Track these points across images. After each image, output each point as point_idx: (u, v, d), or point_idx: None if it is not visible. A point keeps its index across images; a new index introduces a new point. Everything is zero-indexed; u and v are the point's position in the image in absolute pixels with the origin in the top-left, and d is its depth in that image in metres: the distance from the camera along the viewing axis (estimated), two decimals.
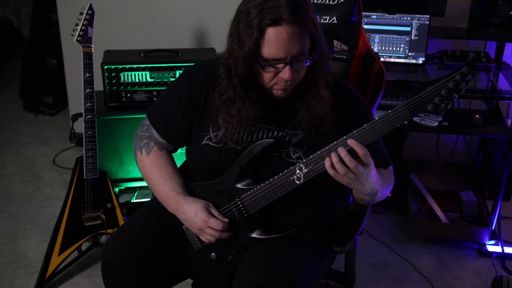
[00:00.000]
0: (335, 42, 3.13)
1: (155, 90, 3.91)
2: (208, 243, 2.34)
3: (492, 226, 3.80)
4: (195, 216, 2.26)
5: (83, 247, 3.71)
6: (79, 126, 3.40)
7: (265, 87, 2.13)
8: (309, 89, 2.16)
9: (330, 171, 2.03)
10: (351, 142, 2.00)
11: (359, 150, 1.99)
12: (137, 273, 2.31)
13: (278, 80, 2.08)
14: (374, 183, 2.12)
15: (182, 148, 2.49)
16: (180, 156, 2.48)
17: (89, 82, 3.23)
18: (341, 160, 2.00)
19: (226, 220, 2.27)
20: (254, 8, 1.99)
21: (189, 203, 2.29)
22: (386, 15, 3.89)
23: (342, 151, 2.00)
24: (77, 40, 3.19)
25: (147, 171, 2.42)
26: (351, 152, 2.00)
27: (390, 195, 2.38)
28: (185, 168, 2.50)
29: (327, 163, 2.03)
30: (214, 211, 2.28)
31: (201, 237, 2.32)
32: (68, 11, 4.85)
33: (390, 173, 2.37)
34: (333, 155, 2.02)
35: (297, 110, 2.19)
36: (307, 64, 2.08)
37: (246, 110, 2.16)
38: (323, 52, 2.12)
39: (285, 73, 2.04)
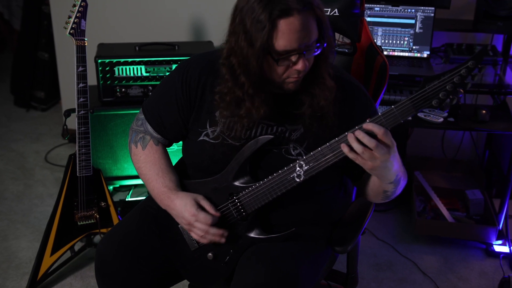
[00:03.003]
0: (336, 35, 3.12)
1: (151, 85, 3.90)
2: (204, 244, 2.35)
3: (499, 225, 3.80)
4: (184, 210, 2.26)
5: (76, 247, 3.70)
6: (72, 122, 3.40)
7: (276, 81, 2.13)
8: (314, 78, 2.16)
9: (351, 155, 2.02)
10: (368, 126, 1.98)
11: (377, 130, 1.97)
12: (131, 274, 2.32)
13: (291, 72, 2.08)
14: (398, 168, 2.11)
15: (178, 145, 2.49)
16: (176, 153, 2.48)
17: (82, 77, 3.22)
18: (358, 140, 1.99)
19: (217, 214, 2.27)
20: (259, 1, 1.98)
21: (180, 198, 2.29)
22: (390, 7, 3.89)
23: (359, 133, 1.98)
24: (70, 33, 3.18)
25: (141, 166, 2.43)
26: (370, 135, 1.99)
27: None
28: (181, 165, 2.50)
29: (345, 148, 2.02)
30: (204, 204, 2.28)
31: (192, 235, 2.31)
32: (60, 3, 4.84)
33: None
34: (349, 134, 2.01)
35: (302, 101, 2.19)
36: (318, 52, 2.08)
37: (257, 110, 2.15)
38: (330, 39, 2.12)
39: (299, 64, 2.04)
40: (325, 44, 2.08)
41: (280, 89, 2.17)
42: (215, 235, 2.26)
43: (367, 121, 2.00)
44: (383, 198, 2.32)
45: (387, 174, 2.10)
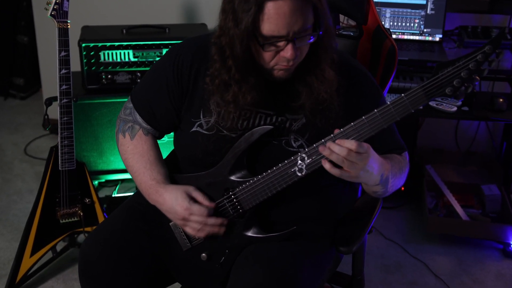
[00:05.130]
0: (341, 17, 3.12)
1: (139, 71, 3.90)
2: (198, 242, 2.35)
3: None
4: (175, 204, 2.25)
5: (58, 247, 3.70)
6: (54, 111, 3.39)
7: (264, 68, 2.13)
8: (311, 69, 2.15)
9: (334, 171, 2.06)
10: (339, 141, 2.02)
11: (350, 145, 2.01)
12: (118, 276, 2.32)
13: (279, 59, 2.08)
14: (380, 168, 2.13)
15: (169, 136, 2.49)
16: (167, 145, 2.47)
17: (64, 62, 3.22)
18: (333, 151, 2.03)
19: (211, 204, 2.26)
20: None
21: (169, 191, 2.29)
22: None
23: (330, 144, 2.03)
24: (51, 15, 3.17)
25: (128, 157, 2.42)
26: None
27: (402, 188, 2.38)
28: (173, 158, 2.50)
29: (326, 165, 2.06)
30: (197, 195, 2.27)
31: (187, 230, 2.31)
32: None
33: (402, 158, 2.37)
34: (321, 148, 2.05)
35: (298, 92, 2.19)
36: (311, 41, 2.08)
37: (243, 96, 2.15)
38: (328, 27, 2.11)
39: (287, 52, 2.04)
40: (320, 33, 2.08)
41: (270, 77, 2.17)
42: (214, 225, 2.26)
43: (333, 135, 2.06)
44: (376, 197, 2.38)
45: (370, 178, 2.13)
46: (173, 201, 2.26)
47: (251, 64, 2.11)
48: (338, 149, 2.00)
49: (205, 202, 2.26)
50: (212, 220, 2.25)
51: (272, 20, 1.98)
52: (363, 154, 2.02)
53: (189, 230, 2.30)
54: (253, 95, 2.15)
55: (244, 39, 2.03)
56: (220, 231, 2.28)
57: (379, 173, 2.13)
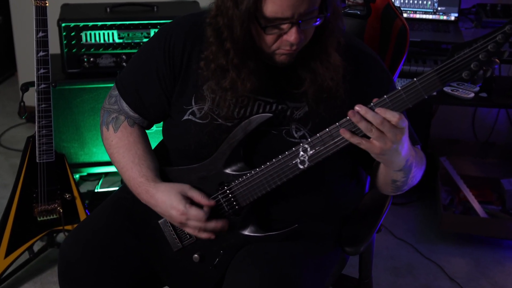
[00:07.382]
0: None
1: (125, 54, 3.90)
2: (189, 242, 2.35)
3: None
4: (170, 208, 2.24)
5: (36, 248, 3.70)
6: (31, 98, 3.39)
7: (265, 51, 2.12)
8: (316, 53, 2.14)
9: (354, 140, 2.00)
10: (380, 111, 1.95)
11: (391, 116, 1.94)
12: (101, 279, 2.32)
13: (282, 43, 2.07)
14: (408, 151, 2.09)
15: (158, 125, 2.48)
16: (155, 135, 2.46)
17: (42, 44, 3.21)
18: (363, 118, 1.97)
19: (210, 202, 2.24)
20: None
21: (161, 192, 2.27)
22: None
23: (361, 108, 1.96)
24: None
25: (114, 152, 2.41)
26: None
27: None
28: (162, 149, 2.50)
29: (346, 134, 2.00)
30: (193, 194, 2.25)
31: (186, 229, 2.30)
32: None
33: (419, 150, 2.36)
34: (350, 113, 1.98)
35: (301, 79, 2.18)
36: (317, 23, 2.07)
37: (243, 82, 2.14)
38: (336, 8, 2.11)
39: (291, 35, 2.03)
40: (327, 15, 2.07)
41: (271, 61, 2.17)
42: (215, 229, 2.25)
43: (372, 103, 1.99)
44: (393, 190, 2.31)
45: (396, 159, 2.08)
46: (167, 204, 2.24)
47: (251, 48, 2.10)
48: (372, 115, 1.95)
49: (203, 200, 2.24)
50: (211, 225, 2.23)
51: (276, 0, 1.97)
52: (400, 128, 1.97)
53: (188, 230, 2.29)
54: (252, 81, 2.14)
55: (245, 21, 2.01)
56: (217, 228, 2.27)
57: (406, 156, 2.10)
